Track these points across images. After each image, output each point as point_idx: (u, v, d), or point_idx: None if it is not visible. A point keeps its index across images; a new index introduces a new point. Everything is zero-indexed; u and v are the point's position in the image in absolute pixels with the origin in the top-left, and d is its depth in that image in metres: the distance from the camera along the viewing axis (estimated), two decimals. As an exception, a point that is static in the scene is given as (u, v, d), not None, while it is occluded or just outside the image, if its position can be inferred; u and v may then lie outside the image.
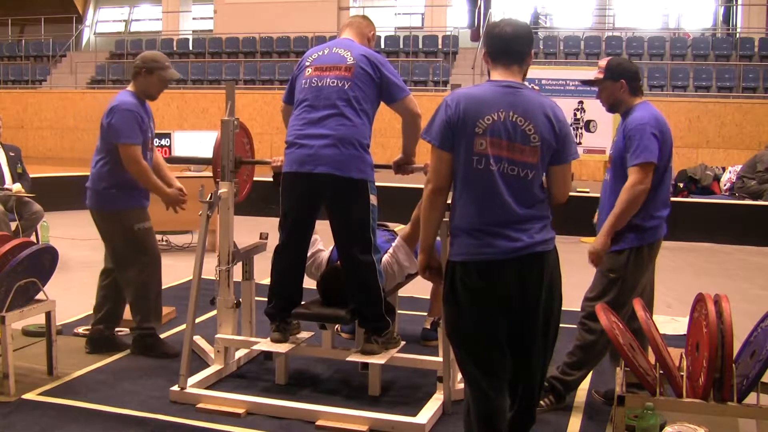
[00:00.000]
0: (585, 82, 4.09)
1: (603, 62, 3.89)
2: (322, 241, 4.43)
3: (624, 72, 3.76)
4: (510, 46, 2.82)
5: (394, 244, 4.25)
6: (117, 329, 4.72)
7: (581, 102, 10.18)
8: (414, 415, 3.64)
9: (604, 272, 3.74)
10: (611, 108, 3.86)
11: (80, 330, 4.91)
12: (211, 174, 7.29)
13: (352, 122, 3.72)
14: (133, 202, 4.44)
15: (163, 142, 8.37)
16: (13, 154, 6.91)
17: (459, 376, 3.86)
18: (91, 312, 4.89)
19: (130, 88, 4.50)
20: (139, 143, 4.36)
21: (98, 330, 4.58)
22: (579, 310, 4.93)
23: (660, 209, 3.70)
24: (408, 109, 3.85)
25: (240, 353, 4.41)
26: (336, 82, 3.76)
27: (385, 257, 4.21)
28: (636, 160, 3.56)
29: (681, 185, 10.25)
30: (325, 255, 4.35)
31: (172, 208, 4.58)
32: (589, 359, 3.78)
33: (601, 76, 3.82)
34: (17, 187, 6.74)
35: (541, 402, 3.77)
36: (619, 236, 3.67)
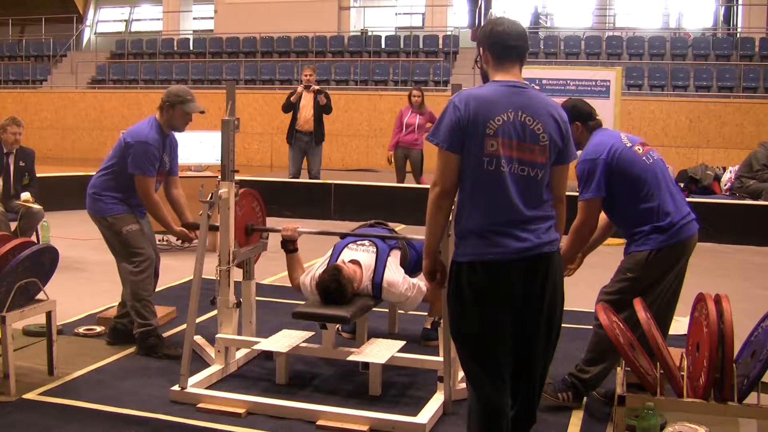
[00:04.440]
0: None
1: None
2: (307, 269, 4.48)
3: (577, 115, 3.83)
4: (515, 43, 2.81)
5: (420, 285, 4.22)
6: (94, 327, 4.92)
7: (582, 102, 10.17)
8: (415, 414, 3.64)
9: (623, 270, 3.76)
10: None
11: (81, 330, 4.91)
12: (211, 174, 7.32)
13: None
14: (118, 208, 4.55)
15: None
16: (23, 164, 6.91)
17: (460, 375, 3.87)
18: (93, 312, 4.91)
19: (157, 117, 4.61)
20: (154, 176, 4.52)
21: (121, 323, 4.68)
22: (580, 309, 4.95)
23: (670, 209, 3.68)
24: None
25: (240, 353, 4.41)
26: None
27: (402, 279, 4.21)
28: (580, 198, 3.70)
29: (681, 185, 10.25)
30: (319, 265, 4.37)
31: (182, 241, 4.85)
32: (604, 355, 3.75)
33: None
34: (26, 196, 6.78)
35: (559, 395, 3.78)
36: (637, 241, 3.69)
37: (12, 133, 6.76)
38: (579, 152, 3.87)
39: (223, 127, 4.14)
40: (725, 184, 10.22)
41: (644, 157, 3.72)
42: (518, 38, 2.81)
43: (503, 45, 2.80)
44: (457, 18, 19.88)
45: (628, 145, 3.73)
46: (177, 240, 4.87)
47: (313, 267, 4.40)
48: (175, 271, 6.44)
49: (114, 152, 4.59)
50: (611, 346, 3.68)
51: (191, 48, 19.46)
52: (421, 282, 4.22)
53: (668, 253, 3.66)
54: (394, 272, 4.24)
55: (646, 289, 3.65)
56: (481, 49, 2.88)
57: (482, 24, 3.01)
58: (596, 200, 3.67)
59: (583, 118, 3.84)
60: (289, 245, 4.45)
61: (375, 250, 4.32)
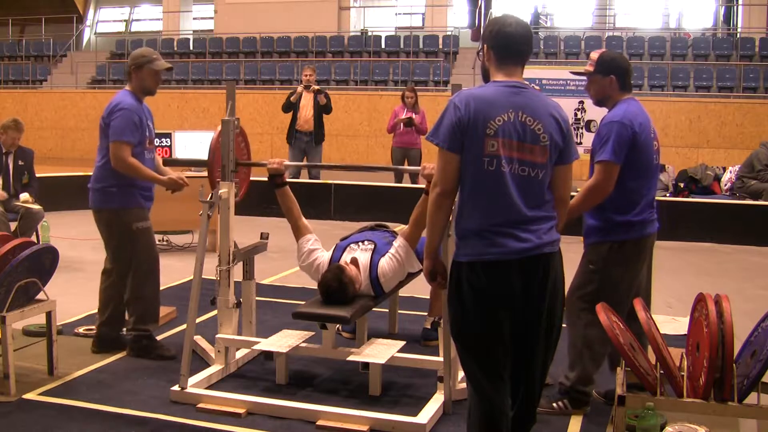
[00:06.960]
0: (575, 73, 4.07)
1: (595, 54, 3.81)
2: (319, 241, 4.44)
3: (615, 68, 3.72)
4: (520, 47, 2.81)
5: (396, 244, 4.26)
6: (94, 328, 4.77)
7: (582, 102, 10.19)
8: (415, 415, 3.64)
9: (585, 263, 3.73)
10: (598, 102, 3.84)
11: (81, 330, 4.91)
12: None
13: None
14: (133, 201, 4.45)
15: (164, 142, 8.36)
16: (22, 163, 6.93)
17: (460, 376, 3.87)
18: (93, 312, 4.89)
19: (127, 87, 4.52)
20: (132, 142, 4.36)
21: (105, 331, 4.61)
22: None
23: (646, 206, 3.69)
24: None
25: (240, 353, 4.41)
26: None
27: (387, 258, 4.22)
28: (598, 157, 3.59)
29: (681, 185, 10.24)
30: (326, 256, 4.35)
31: (173, 190, 4.59)
32: (581, 356, 3.73)
33: (591, 69, 3.78)
34: (24, 196, 6.79)
35: (554, 404, 3.76)
36: (602, 229, 3.67)
37: (11, 137, 6.80)
38: (603, 110, 3.79)
39: (223, 127, 4.14)
40: (725, 184, 10.22)
41: (655, 154, 3.73)
42: (524, 42, 2.81)
43: (508, 48, 2.80)
44: (457, 18, 19.91)
45: (652, 135, 3.71)
46: (168, 190, 4.60)
47: (318, 256, 4.36)
48: (175, 271, 6.43)
49: (101, 138, 4.48)
50: (585, 348, 3.69)
51: (191, 48, 19.46)
52: (396, 241, 4.26)
53: (631, 247, 3.65)
54: (384, 259, 4.23)
55: (614, 288, 3.63)
56: (485, 45, 2.86)
57: (486, 21, 2.96)
58: (616, 166, 3.55)
59: (619, 73, 3.71)
60: (277, 179, 4.38)
61: (373, 248, 4.32)
